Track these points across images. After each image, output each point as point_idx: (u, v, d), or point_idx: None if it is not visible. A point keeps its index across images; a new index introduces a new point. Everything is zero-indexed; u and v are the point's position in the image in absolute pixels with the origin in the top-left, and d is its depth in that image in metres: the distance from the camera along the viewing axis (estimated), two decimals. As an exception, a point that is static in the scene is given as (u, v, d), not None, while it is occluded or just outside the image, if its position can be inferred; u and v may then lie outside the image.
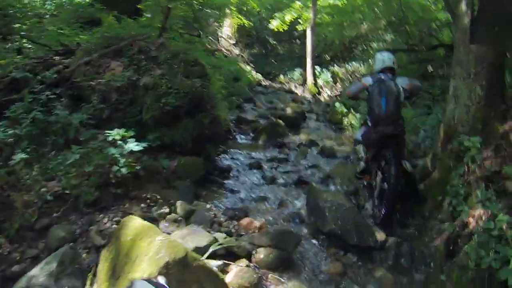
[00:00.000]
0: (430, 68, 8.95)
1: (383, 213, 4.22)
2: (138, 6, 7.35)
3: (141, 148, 4.36)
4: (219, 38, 15.40)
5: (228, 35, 15.93)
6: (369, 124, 4.60)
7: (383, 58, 4.76)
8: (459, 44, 4.39)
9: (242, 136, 7.57)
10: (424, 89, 7.55)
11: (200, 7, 14.54)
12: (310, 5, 12.94)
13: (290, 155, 6.67)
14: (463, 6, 4.33)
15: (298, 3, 14.21)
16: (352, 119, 8.61)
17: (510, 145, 3.85)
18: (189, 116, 5.28)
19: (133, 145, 4.31)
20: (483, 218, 3.29)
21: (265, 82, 15.36)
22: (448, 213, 4.00)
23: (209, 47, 14.62)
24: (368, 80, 4.66)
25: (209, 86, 5.70)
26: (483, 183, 3.72)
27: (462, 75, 4.29)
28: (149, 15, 7.58)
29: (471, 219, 3.43)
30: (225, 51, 15.09)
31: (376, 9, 10.85)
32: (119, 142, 4.29)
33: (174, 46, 5.95)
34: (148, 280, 1.64)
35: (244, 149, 6.78)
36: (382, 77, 4.53)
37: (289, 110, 9.24)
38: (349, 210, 4.19)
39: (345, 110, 8.94)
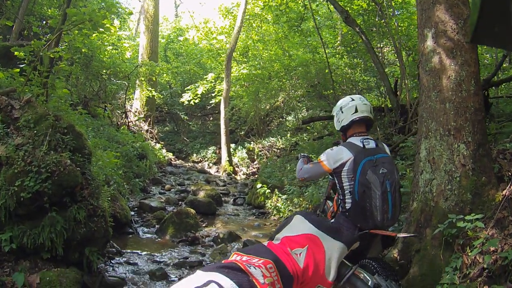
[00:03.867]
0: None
1: None
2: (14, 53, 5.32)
3: None
4: (127, 112, 13.72)
5: (137, 108, 14.35)
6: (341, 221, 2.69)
7: (356, 104, 2.75)
8: (429, 90, 3.41)
9: (145, 229, 5.68)
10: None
11: (108, 76, 12.88)
12: (223, 75, 12.15)
13: (205, 254, 4.88)
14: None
15: (211, 74, 13.52)
16: (278, 201, 7.19)
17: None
18: (59, 207, 3.64)
19: None
20: None
21: (176, 161, 13.84)
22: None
23: (115, 120, 12.90)
24: (339, 153, 2.64)
25: (88, 164, 3.98)
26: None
27: (439, 132, 3.30)
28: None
29: None
30: (132, 126, 13.39)
31: (294, 77, 10.26)
32: None
33: (43, 106, 4.24)
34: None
35: (146, 247, 4.88)
36: (366, 143, 2.65)
37: (202, 194, 7.62)
38: None
39: (268, 191, 7.44)
